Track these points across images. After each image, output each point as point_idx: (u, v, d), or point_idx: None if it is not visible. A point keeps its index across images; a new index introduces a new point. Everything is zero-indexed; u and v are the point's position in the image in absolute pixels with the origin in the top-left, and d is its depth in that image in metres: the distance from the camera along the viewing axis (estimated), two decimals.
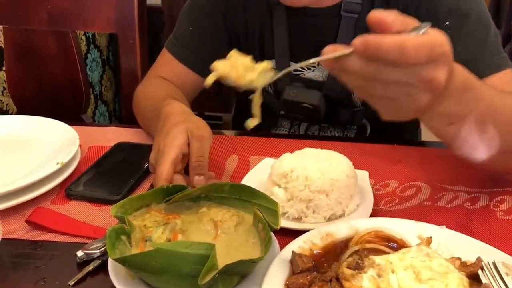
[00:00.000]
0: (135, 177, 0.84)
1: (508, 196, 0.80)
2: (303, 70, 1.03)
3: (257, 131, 1.04)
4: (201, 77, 1.09)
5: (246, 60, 0.61)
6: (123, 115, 1.39)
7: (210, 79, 0.61)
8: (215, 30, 1.06)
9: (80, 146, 0.90)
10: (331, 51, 0.53)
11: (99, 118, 2.37)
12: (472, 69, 0.63)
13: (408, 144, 0.98)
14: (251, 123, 0.65)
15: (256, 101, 0.63)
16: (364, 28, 1.00)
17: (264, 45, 1.05)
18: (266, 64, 0.61)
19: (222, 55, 0.61)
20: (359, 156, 0.90)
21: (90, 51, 2.25)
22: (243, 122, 0.65)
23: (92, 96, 2.24)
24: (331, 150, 0.79)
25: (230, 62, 0.61)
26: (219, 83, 0.63)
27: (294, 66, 0.60)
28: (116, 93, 2.58)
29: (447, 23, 0.85)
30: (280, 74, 0.61)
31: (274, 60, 1.03)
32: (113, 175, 0.86)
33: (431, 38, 0.51)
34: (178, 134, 0.76)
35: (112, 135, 1.01)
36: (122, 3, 1.26)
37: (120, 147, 0.95)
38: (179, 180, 0.74)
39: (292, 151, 0.79)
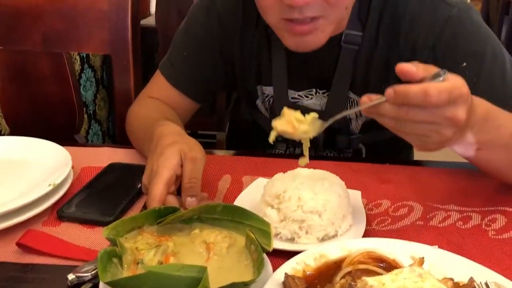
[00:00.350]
0: (128, 198, 0.84)
1: (499, 215, 0.81)
2: (301, 97, 1.03)
3: (251, 151, 1.05)
4: (194, 101, 1.09)
5: (297, 114, 0.71)
6: (117, 134, 1.39)
7: (272, 137, 0.71)
8: (210, 56, 1.05)
9: (72, 167, 0.90)
10: (367, 101, 0.63)
11: (92, 137, 2.37)
12: (498, 105, 0.74)
13: (400, 163, 0.99)
14: (302, 161, 0.75)
15: (306, 144, 0.74)
16: (365, 60, 1.02)
17: (261, 71, 1.04)
18: (313, 115, 0.71)
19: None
20: (351, 175, 0.91)
21: (84, 71, 2.26)
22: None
23: (85, 116, 2.24)
24: (324, 169, 0.80)
25: (285, 119, 0.71)
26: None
27: (341, 114, 0.69)
28: (109, 112, 2.58)
29: (464, 64, 0.88)
30: (328, 123, 0.70)
31: (272, 87, 1.03)
32: (106, 196, 0.86)
33: (450, 83, 0.61)
34: (171, 155, 0.76)
35: (105, 156, 1.01)
36: (116, 24, 1.27)
37: (113, 168, 0.95)
38: (172, 201, 0.74)
39: (285, 171, 0.80)
